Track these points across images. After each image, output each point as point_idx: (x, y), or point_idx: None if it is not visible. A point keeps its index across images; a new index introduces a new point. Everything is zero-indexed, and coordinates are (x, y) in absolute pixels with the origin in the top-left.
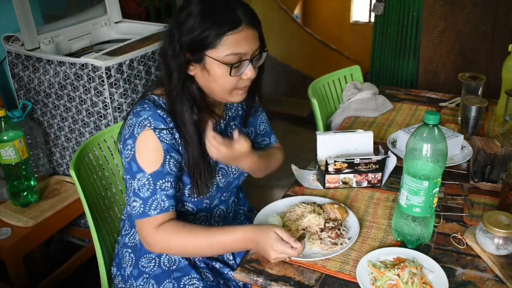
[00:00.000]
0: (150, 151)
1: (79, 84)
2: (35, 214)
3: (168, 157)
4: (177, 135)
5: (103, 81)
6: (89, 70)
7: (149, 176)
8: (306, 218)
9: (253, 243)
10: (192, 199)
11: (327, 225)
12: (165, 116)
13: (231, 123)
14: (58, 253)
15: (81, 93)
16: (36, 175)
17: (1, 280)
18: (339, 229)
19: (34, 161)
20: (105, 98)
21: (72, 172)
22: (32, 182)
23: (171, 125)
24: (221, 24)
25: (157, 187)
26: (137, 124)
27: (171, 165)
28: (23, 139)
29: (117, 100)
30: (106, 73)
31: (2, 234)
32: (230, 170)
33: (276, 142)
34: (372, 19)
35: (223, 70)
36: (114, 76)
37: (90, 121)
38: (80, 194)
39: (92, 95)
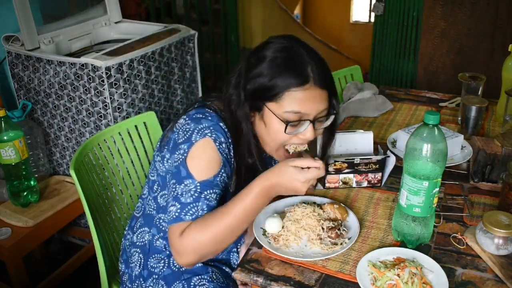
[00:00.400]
0: (206, 159)
1: (79, 84)
2: (35, 214)
3: (222, 170)
4: (232, 152)
5: (103, 81)
6: (89, 70)
7: (198, 184)
8: (306, 219)
9: (276, 188)
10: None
11: (327, 225)
12: (226, 130)
13: (271, 161)
14: (58, 253)
15: (81, 93)
16: (36, 175)
17: (1, 280)
18: (339, 229)
19: (34, 161)
20: (105, 98)
21: (72, 172)
22: (32, 182)
23: (230, 140)
24: (287, 78)
25: (202, 196)
26: (196, 130)
27: (222, 178)
28: (23, 139)
29: (117, 100)
30: (106, 73)
31: (2, 234)
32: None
33: None
34: (372, 19)
35: (279, 126)
36: (114, 76)
37: (90, 121)
38: (80, 194)
39: (92, 95)
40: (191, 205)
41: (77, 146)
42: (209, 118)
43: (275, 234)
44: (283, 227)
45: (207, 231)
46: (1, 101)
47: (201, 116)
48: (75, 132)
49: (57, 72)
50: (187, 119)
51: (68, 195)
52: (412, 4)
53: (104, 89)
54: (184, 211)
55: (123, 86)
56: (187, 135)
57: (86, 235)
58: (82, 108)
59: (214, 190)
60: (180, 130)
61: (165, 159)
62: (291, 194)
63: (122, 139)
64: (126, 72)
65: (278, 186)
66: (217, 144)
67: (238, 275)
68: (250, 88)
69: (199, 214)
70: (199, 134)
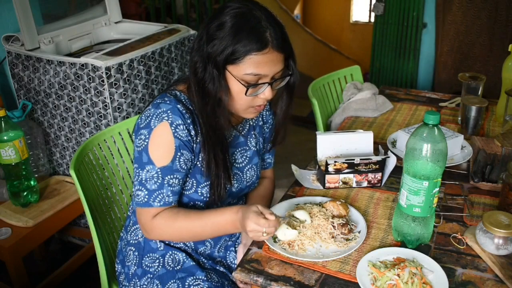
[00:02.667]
0: (163, 145)
1: (79, 84)
2: (35, 214)
3: (178, 154)
4: (193, 132)
5: (103, 81)
6: (89, 70)
7: (159, 170)
8: (316, 220)
9: (240, 221)
10: (204, 199)
11: (337, 222)
12: (184, 111)
13: (251, 132)
14: (58, 253)
15: (81, 93)
16: (36, 175)
17: (1, 280)
18: (349, 224)
19: (34, 161)
20: (105, 98)
21: (72, 172)
22: (32, 182)
23: (188, 121)
24: (247, 43)
25: (165, 182)
26: (155, 116)
27: (181, 163)
28: (23, 139)
29: (117, 100)
30: (106, 73)
31: (2, 234)
32: (244, 177)
33: (272, 167)
34: (372, 19)
35: (240, 88)
36: (114, 76)
37: (90, 121)
38: (80, 194)
39: (92, 95)
40: (157, 192)
41: (77, 146)
42: (168, 102)
43: (288, 241)
44: (299, 233)
45: (174, 225)
46: (1, 101)
47: (160, 101)
48: (75, 132)
49: (57, 72)
50: (150, 105)
51: (68, 195)
52: (412, 4)
53: (104, 89)
54: (152, 197)
55: (123, 86)
56: (147, 120)
57: (86, 235)
58: (82, 108)
59: (175, 175)
60: (143, 115)
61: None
62: (248, 233)
63: (122, 139)
64: (126, 72)
65: (241, 219)
66: (173, 127)
67: (238, 275)
68: (211, 52)
69: (166, 200)
70: (157, 119)
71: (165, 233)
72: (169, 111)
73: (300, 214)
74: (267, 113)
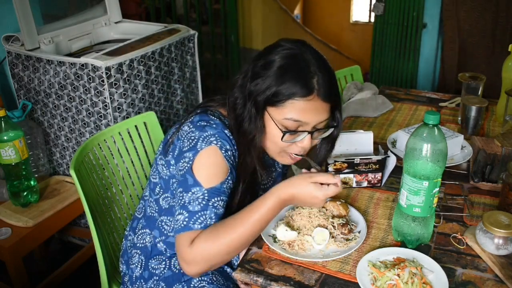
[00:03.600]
0: (213, 166)
1: (79, 84)
2: (35, 214)
3: (229, 177)
4: (237, 160)
5: (103, 81)
6: (89, 70)
7: (206, 191)
8: (316, 220)
9: (294, 201)
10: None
11: (337, 222)
12: (231, 137)
13: (275, 163)
14: (58, 253)
15: (81, 93)
16: (36, 175)
17: (1, 280)
18: (349, 224)
19: (34, 161)
20: (105, 98)
21: (72, 172)
22: (32, 182)
23: (235, 147)
24: (292, 87)
25: (210, 204)
26: (201, 139)
27: (229, 185)
28: (23, 139)
29: (117, 100)
30: (106, 73)
31: (2, 234)
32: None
33: None
34: (372, 19)
35: (277, 132)
36: (114, 76)
37: (90, 121)
38: (80, 194)
39: (92, 95)
40: (199, 213)
41: (77, 146)
42: (214, 125)
43: (288, 241)
44: (299, 233)
45: (218, 241)
46: (1, 101)
47: (205, 123)
48: (75, 132)
49: (57, 72)
50: (191, 126)
51: (68, 195)
52: (412, 4)
53: (104, 89)
54: (193, 219)
55: (123, 86)
56: (192, 143)
57: (86, 235)
58: (82, 108)
59: (221, 198)
60: (185, 138)
61: (170, 165)
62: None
63: (122, 139)
64: (126, 72)
65: (296, 200)
66: (223, 151)
67: (238, 275)
68: (254, 91)
69: (208, 222)
70: (204, 142)
71: (210, 257)
72: (216, 135)
73: (320, 234)
74: None
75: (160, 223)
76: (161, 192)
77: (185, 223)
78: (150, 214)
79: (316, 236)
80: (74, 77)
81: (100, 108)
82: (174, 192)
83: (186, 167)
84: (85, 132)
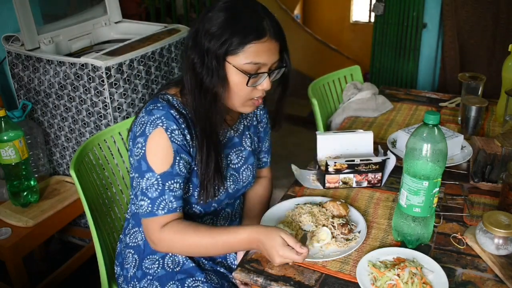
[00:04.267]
0: (161, 151)
1: (79, 84)
2: (35, 214)
3: (178, 158)
4: (188, 137)
5: (103, 81)
6: (89, 70)
7: (159, 176)
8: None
9: (257, 244)
10: (201, 202)
11: (337, 222)
12: (178, 116)
13: (246, 132)
14: (58, 253)
15: (81, 93)
16: (36, 175)
17: (1, 280)
18: (349, 224)
19: (34, 161)
20: (105, 98)
21: (72, 172)
22: (32, 182)
23: (183, 126)
24: (246, 33)
25: (166, 188)
26: (149, 123)
27: (180, 166)
28: (23, 139)
29: (117, 100)
30: (106, 73)
31: (2, 234)
32: (240, 177)
33: (268, 166)
34: (372, 19)
35: (240, 78)
36: (114, 76)
37: (90, 121)
38: (80, 194)
39: (92, 95)
40: (159, 199)
41: (77, 146)
42: (160, 108)
43: None
44: (297, 234)
45: (184, 239)
46: (1, 101)
47: (153, 107)
48: (75, 132)
49: (57, 72)
50: (143, 112)
51: (68, 195)
52: (412, 4)
53: (104, 89)
54: (155, 206)
55: (123, 86)
56: (142, 128)
57: (86, 235)
58: (82, 108)
59: (176, 180)
60: (138, 123)
61: (132, 154)
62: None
63: (122, 139)
64: (126, 72)
65: (261, 244)
66: (169, 133)
67: (238, 275)
68: (211, 46)
69: (170, 206)
70: (152, 125)
71: (173, 248)
72: (162, 117)
73: (323, 233)
74: (261, 112)
75: None
76: None
77: (149, 209)
78: (136, 211)
79: (319, 234)
80: (74, 77)
81: (100, 108)
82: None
83: (141, 153)
84: (85, 132)
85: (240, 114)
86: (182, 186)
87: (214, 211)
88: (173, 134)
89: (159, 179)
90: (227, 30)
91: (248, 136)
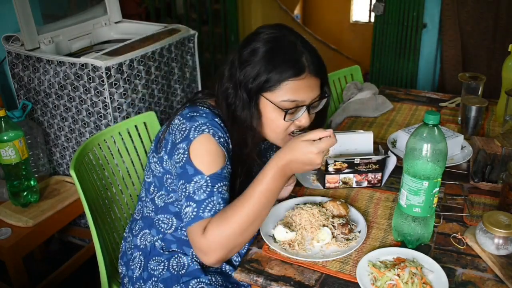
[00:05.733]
0: (210, 153)
1: (79, 84)
2: (35, 214)
3: (228, 162)
4: (230, 147)
5: (103, 81)
6: (89, 70)
7: (208, 178)
8: (316, 220)
9: (290, 167)
10: None
11: (338, 222)
12: (222, 125)
13: (267, 154)
14: (58, 253)
15: (81, 93)
16: (36, 175)
17: (1, 280)
18: (349, 224)
19: (34, 161)
20: (105, 98)
21: (72, 172)
22: (32, 182)
23: (227, 135)
24: (284, 70)
25: (215, 190)
26: (193, 128)
27: (228, 170)
28: (23, 139)
29: (117, 100)
30: (106, 73)
31: (2, 234)
32: None
33: None
34: (372, 19)
35: (276, 115)
36: (114, 76)
37: (90, 121)
38: (80, 194)
39: (92, 95)
40: (207, 201)
41: (77, 146)
42: (204, 115)
43: (289, 241)
44: (297, 234)
45: (230, 222)
46: (1, 101)
47: (195, 114)
48: (75, 132)
49: (57, 72)
50: (181, 119)
51: (68, 195)
52: (412, 4)
53: (104, 89)
54: (202, 208)
55: (123, 86)
56: (184, 134)
57: (86, 235)
58: (82, 108)
59: (224, 183)
60: (176, 130)
61: (163, 161)
62: (308, 170)
63: (122, 139)
64: (126, 72)
65: (293, 163)
66: (216, 138)
67: (238, 275)
68: (244, 79)
69: (217, 208)
70: (196, 131)
71: (226, 242)
72: (208, 123)
73: (323, 233)
74: None
75: (157, 221)
76: (156, 191)
77: (194, 213)
78: (147, 214)
79: (320, 234)
80: (74, 77)
81: (100, 108)
82: (169, 188)
83: (184, 158)
84: (85, 132)
85: None
86: (228, 190)
87: None
88: (221, 140)
89: (209, 181)
90: (263, 65)
91: (268, 156)
